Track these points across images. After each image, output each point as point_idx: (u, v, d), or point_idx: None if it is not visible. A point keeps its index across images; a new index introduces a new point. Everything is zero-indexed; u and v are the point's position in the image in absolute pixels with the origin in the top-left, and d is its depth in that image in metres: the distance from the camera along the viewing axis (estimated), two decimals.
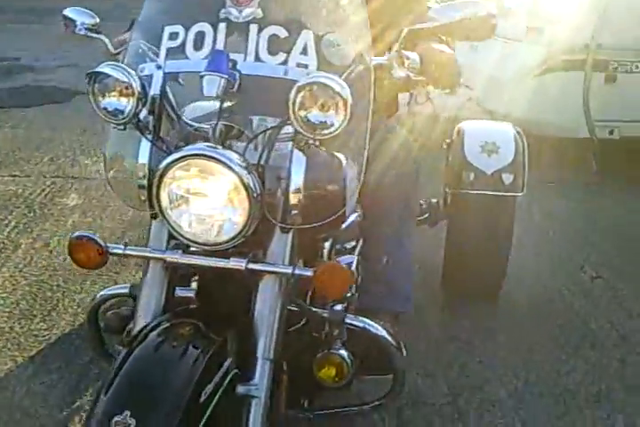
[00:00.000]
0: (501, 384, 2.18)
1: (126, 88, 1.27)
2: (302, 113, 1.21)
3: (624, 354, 2.36)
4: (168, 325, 1.27)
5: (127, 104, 1.28)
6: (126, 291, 1.53)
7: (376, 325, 1.49)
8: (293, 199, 1.30)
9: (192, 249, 1.34)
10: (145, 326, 1.28)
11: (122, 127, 1.31)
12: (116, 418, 1.07)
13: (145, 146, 1.34)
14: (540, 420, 2.02)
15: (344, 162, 1.35)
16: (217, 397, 1.16)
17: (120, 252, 1.36)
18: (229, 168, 1.23)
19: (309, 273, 1.29)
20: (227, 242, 1.27)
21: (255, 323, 1.32)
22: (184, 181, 1.26)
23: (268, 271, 1.32)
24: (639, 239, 3.25)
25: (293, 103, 1.20)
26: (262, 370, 1.29)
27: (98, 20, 1.58)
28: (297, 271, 1.30)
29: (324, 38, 1.31)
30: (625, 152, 4.03)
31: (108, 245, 1.35)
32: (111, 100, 1.29)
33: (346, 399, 1.72)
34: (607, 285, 2.85)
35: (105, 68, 1.28)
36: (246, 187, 1.23)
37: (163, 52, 1.35)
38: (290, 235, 1.33)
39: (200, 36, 1.33)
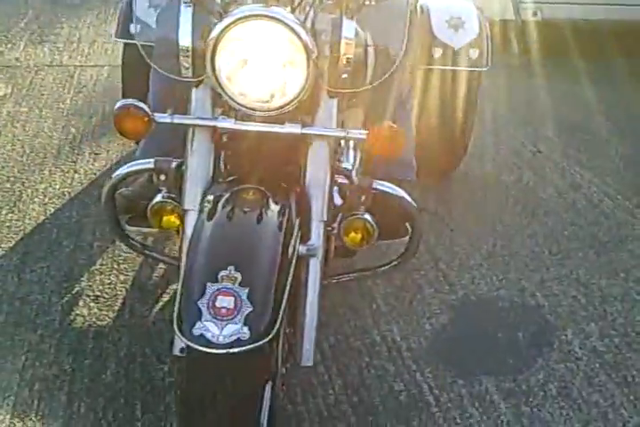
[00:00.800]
0: (474, 249, 2.34)
1: None
2: None
3: (574, 218, 2.58)
4: (233, 191, 1.27)
5: None
6: (151, 166, 1.48)
7: (399, 189, 1.54)
8: (342, 64, 1.29)
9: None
10: (209, 193, 1.28)
11: None
12: (221, 273, 1.10)
13: (186, 11, 1.27)
14: (514, 278, 2.22)
15: (390, 28, 1.34)
16: (295, 255, 1.20)
17: (167, 120, 1.32)
18: (288, 27, 1.20)
19: (363, 135, 1.30)
20: (282, 107, 1.26)
21: (308, 186, 1.34)
22: (240, 43, 1.22)
23: (323, 135, 1.33)
24: (567, 115, 3.46)
25: None
26: (317, 231, 1.34)
27: None
28: (350, 134, 1.31)
29: None
30: (547, 35, 4.18)
31: (155, 114, 1.30)
32: None
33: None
34: (547, 158, 3.05)
35: None
36: (305, 46, 1.21)
37: None
38: (336, 100, 1.34)
39: None
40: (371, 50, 1.58)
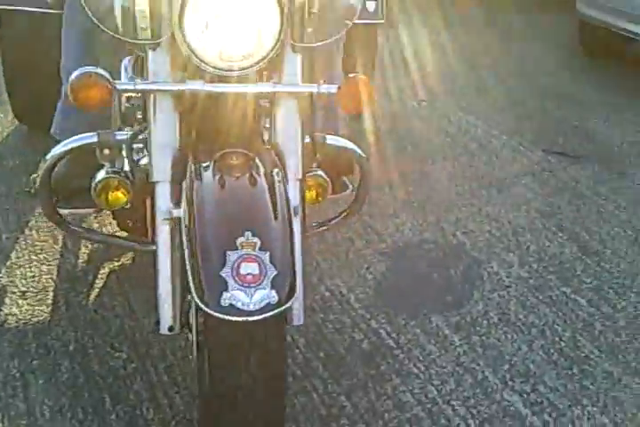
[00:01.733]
0: (390, 198, 2.43)
1: None
2: None
3: (469, 160, 2.75)
4: (217, 157, 1.22)
5: None
6: (94, 139, 1.37)
7: (349, 142, 1.53)
8: (307, 16, 1.26)
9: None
10: (191, 162, 1.23)
11: None
12: (239, 240, 1.08)
13: None
14: (432, 220, 2.33)
15: None
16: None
17: (130, 87, 1.24)
18: None
19: (334, 89, 1.29)
20: (255, 64, 1.22)
21: (282, 145, 1.32)
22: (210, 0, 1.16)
23: (294, 92, 1.30)
24: (439, 64, 3.62)
25: None
26: (295, 190, 1.32)
27: None
28: (322, 89, 1.29)
29: None
30: None
31: (116, 81, 1.22)
32: None
33: None
34: (432, 106, 3.20)
35: None
36: (279, 2, 1.18)
37: None
38: (300, 55, 1.31)
39: None
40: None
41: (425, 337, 1.82)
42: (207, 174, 1.19)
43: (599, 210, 2.47)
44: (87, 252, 2.01)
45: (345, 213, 1.66)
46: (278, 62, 1.29)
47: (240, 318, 1.05)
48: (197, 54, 1.20)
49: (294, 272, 1.11)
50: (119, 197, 1.39)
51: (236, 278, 1.06)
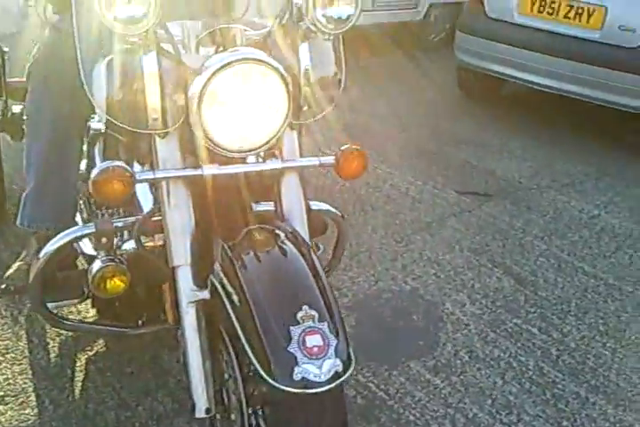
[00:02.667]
0: None
1: None
2: (319, 10, 1.26)
3: (396, 208, 2.93)
4: (243, 236, 1.27)
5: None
6: (92, 230, 1.38)
7: (328, 205, 1.65)
8: (305, 95, 1.35)
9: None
10: (218, 243, 1.27)
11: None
12: (299, 314, 1.13)
13: (150, 56, 1.22)
14: (381, 270, 2.46)
15: (336, 52, 1.41)
16: None
17: (150, 177, 1.28)
18: (270, 67, 1.23)
19: (332, 161, 1.40)
20: (265, 144, 1.29)
21: (290, 215, 1.39)
22: (227, 89, 1.22)
23: (298, 166, 1.38)
24: (342, 117, 3.81)
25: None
26: (309, 250, 1.35)
27: None
28: (322, 161, 1.40)
29: None
30: None
31: (135, 172, 1.25)
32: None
33: None
34: None
35: None
36: (286, 83, 1.25)
37: None
38: (296, 131, 1.39)
39: None
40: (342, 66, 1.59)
41: (411, 384, 1.93)
42: (240, 253, 1.23)
43: (520, 242, 2.72)
44: (56, 345, 1.95)
45: (326, 270, 1.76)
46: (278, 139, 1.35)
47: (314, 390, 1.09)
48: (213, 140, 1.25)
49: (347, 338, 1.17)
50: (117, 284, 1.39)
51: (304, 352, 1.10)
